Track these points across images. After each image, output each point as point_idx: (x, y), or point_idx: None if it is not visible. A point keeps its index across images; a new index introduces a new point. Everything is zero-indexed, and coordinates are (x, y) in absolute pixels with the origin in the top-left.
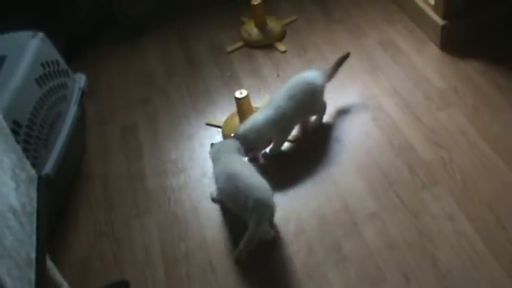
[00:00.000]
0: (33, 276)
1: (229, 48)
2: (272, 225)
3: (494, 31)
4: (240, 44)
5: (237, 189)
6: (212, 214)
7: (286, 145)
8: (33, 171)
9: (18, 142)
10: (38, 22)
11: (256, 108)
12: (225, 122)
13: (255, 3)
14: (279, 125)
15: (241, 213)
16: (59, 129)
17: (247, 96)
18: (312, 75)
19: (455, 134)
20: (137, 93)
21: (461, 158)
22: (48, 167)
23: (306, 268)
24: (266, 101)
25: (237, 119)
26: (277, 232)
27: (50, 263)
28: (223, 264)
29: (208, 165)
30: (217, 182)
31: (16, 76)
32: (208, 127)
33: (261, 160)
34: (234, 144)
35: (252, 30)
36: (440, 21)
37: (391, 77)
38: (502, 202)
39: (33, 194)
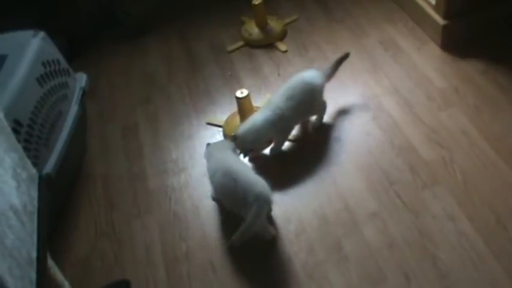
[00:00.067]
0: (34, 275)
1: (230, 47)
2: (272, 223)
3: (495, 31)
4: (240, 43)
5: (236, 184)
6: (213, 213)
7: (286, 145)
8: (34, 171)
9: (19, 141)
10: (38, 22)
11: (256, 107)
12: (226, 122)
13: (256, 2)
14: (278, 125)
15: (238, 210)
16: (60, 129)
17: (248, 95)
18: (311, 75)
19: (456, 133)
20: (138, 93)
21: (462, 158)
22: (49, 167)
23: (306, 268)
24: (267, 101)
25: (237, 118)
26: (277, 231)
27: (50, 262)
28: (224, 263)
29: None
30: (212, 179)
31: (17, 75)
32: (209, 126)
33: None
34: (228, 144)
35: (252, 30)
36: (441, 20)
37: (392, 76)
38: (503, 202)
39: (34, 193)
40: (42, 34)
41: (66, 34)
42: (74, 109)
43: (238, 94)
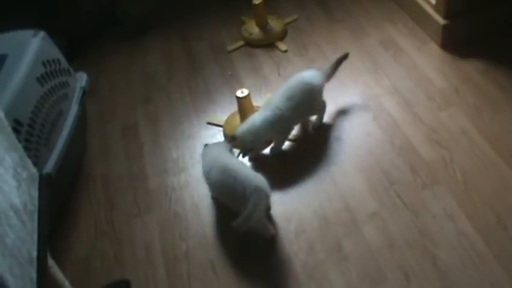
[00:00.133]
0: (34, 274)
1: (230, 47)
2: (272, 222)
3: (495, 31)
4: (241, 43)
5: (235, 179)
6: (213, 213)
7: (286, 145)
8: (34, 170)
9: (19, 141)
10: (39, 22)
11: (257, 107)
12: (226, 121)
13: (256, 2)
14: (277, 126)
15: (238, 207)
16: (60, 128)
17: (248, 95)
18: (310, 75)
19: (456, 133)
20: (138, 92)
21: (462, 158)
22: (49, 166)
23: (306, 268)
24: (267, 101)
25: (237, 118)
26: (277, 231)
27: (50, 262)
28: (224, 263)
29: None
30: (207, 176)
31: (17, 75)
32: (209, 126)
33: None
34: (225, 144)
35: (253, 30)
36: (441, 20)
37: (392, 76)
38: (503, 202)
39: (35, 193)
40: (42, 34)
41: (66, 34)
42: (74, 109)
43: (239, 94)
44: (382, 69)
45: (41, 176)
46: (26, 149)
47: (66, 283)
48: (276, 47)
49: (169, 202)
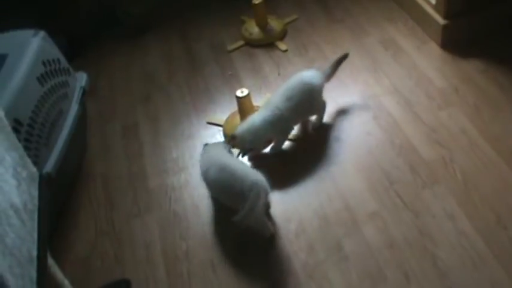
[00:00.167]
0: (34, 273)
1: (230, 47)
2: (272, 222)
3: (495, 30)
4: (241, 42)
5: (233, 175)
6: (213, 213)
7: (286, 144)
8: (34, 169)
9: (19, 140)
10: (39, 21)
11: (257, 107)
12: (226, 121)
13: (256, 2)
14: (277, 126)
15: (236, 203)
16: (60, 128)
17: (248, 95)
18: (309, 75)
19: (456, 133)
20: (138, 92)
21: (462, 158)
22: (49, 166)
23: (306, 268)
24: (266, 100)
25: (237, 117)
26: (277, 231)
27: (50, 261)
28: (224, 262)
29: None
30: (205, 175)
31: (17, 74)
32: (209, 126)
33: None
34: (224, 145)
35: (253, 29)
36: (441, 20)
37: (392, 75)
38: (503, 201)
39: (35, 192)
40: (42, 33)
41: (66, 33)
42: (74, 108)
43: (239, 93)
44: (382, 69)
45: (41, 176)
46: (26, 148)
47: (66, 283)
48: (276, 47)
49: (169, 202)
